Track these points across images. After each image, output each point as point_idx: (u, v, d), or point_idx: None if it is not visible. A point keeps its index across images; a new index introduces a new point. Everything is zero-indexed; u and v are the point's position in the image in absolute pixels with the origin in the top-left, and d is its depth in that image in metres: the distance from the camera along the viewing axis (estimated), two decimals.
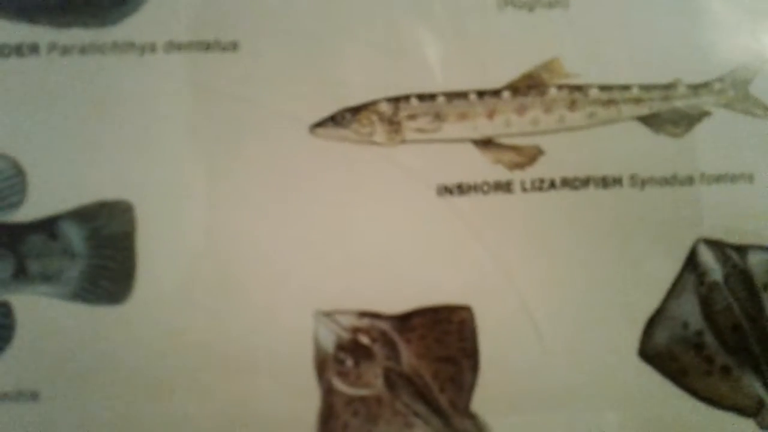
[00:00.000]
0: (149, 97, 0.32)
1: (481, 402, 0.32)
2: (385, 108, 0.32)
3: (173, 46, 0.32)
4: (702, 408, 0.33)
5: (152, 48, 0.32)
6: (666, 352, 0.33)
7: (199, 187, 0.31)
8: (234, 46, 0.32)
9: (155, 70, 0.32)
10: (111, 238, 0.30)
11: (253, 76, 0.32)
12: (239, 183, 0.32)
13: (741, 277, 0.34)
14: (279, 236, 0.32)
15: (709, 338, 0.33)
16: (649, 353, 0.33)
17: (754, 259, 0.34)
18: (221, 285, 0.31)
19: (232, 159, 0.32)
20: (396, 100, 0.32)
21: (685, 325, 0.33)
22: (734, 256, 0.34)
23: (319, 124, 0.32)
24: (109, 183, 0.31)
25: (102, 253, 0.30)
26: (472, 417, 0.31)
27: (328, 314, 0.31)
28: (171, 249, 0.31)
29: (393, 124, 0.32)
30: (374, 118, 0.32)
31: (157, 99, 0.32)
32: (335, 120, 0.32)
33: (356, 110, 0.32)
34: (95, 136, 0.31)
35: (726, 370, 0.33)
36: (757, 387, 0.33)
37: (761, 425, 0.33)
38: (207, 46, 0.32)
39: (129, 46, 0.32)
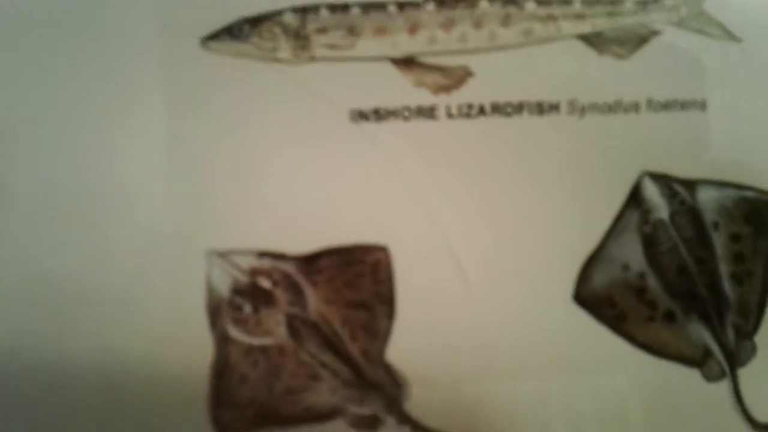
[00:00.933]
0: None
1: (396, 351, 0.30)
2: (290, 19, 0.30)
3: None
4: (643, 357, 0.32)
5: None
6: (604, 297, 0.32)
7: (73, 108, 0.29)
8: None
9: None
10: None
11: None
12: (120, 103, 0.29)
13: (689, 215, 0.33)
14: (168, 164, 0.30)
15: (651, 281, 0.32)
16: (585, 297, 0.32)
17: (703, 196, 0.33)
18: (98, 219, 0.29)
19: (113, 75, 0.29)
20: (303, 11, 0.30)
21: (626, 267, 0.32)
22: (682, 191, 0.33)
23: (213, 37, 0.30)
24: None
25: None
26: (386, 367, 0.30)
27: (223, 254, 0.30)
28: (48, 176, 0.29)
29: (300, 39, 0.30)
30: (278, 30, 0.30)
31: None
32: (232, 32, 0.30)
33: (257, 21, 0.30)
34: None
35: (670, 317, 0.32)
36: (704, 335, 0.33)
37: (707, 376, 0.32)
38: None
39: None
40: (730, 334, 0.32)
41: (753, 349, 0.33)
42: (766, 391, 0.32)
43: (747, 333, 0.33)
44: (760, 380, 0.32)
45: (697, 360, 0.32)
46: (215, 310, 0.29)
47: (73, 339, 0.29)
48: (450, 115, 0.31)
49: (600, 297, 0.32)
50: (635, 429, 0.32)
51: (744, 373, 0.32)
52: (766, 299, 0.33)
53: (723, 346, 0.32)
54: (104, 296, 0.29)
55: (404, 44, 0.31)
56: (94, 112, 0.29)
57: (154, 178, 0.30)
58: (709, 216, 0.33)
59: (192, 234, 0.29)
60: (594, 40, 0.32)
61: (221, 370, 0.29)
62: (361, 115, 0.31)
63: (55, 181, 0.29)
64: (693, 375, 0.32)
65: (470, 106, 0.31)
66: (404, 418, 0.30)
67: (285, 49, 0.30)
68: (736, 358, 0.32)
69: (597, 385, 0.32)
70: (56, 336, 0.29)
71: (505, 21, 0.31)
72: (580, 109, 0.32)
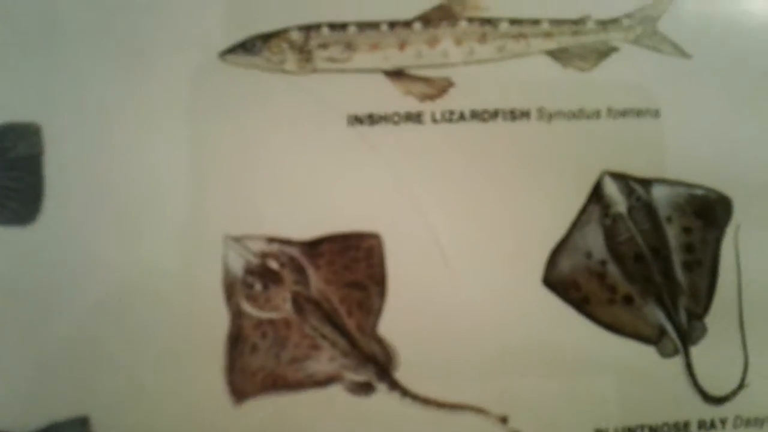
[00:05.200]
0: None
1: (387, 326, 0.32)
2: (296, 36, 0.32)
3: None
4: (604, 335, 0.34)
5: None
6: (570, 281, 0.34)
7: (108, 109, 0.31)
8: None
9: None
10: (19, 160, 0.30)
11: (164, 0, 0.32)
12: (150, 106, 0.32)
13: (645, 210, 0.34)
14: (190, 161, 0.32)
15: (612, 268, 0.34)
16: (553, 281, 0.33)
17: (657, 193, 0.35)
18: (130, 208, 0.31)
19: (144, 82, 0.32)
20: (307, 29, 0.33)
21: (589, 255, 0.34)
22: (638, 188, 0.34)
23: (230, 51, 0.32)
24: (17, 105, 0.31)
25: (10, 175, 0.31)
26: (378, 339, 0.32)
27: (237, 239, 0.32)
28: (79, 171, 0.31)
29: (304, 53, 0.32)
30: (285, 46, 0.32)
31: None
32: (246, 47, 0.32)
33: (267, 38, 0.32)
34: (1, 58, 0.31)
35: (628, 299, 0.34)
36: (659, 316, 0.34)
37: (662, 353, 0.34)
38: None
39: None
40: (683, 315, 0.34)
41: (703, 329, 0.34)
42: (716, 366, 0.34)
43: (698, 315, 0.35)
44: (710, 357, 0.34)
45: (653, 338, 0.34)
46: (230, 288, 0.31)
47: (99, 310, 0.31)
48: (434, 120, 0.33)
49: (566, 281, 0.33)
50: (597, 400, 0.34)
51: (695, 351, 0.34)
52: (715, 284, 0.35)
53: (676, 326, 0.34)
54: (134, 274, 0.31)
55: (394, 58, 0.33)
56: (130, 114, 0.31)
57: (178, 174, 0.31)
58: (663, 211, 0.34)
59: (211, 222, 0.31)
60: (560, 55, 0.34)
61: (235, 340, 0.31)
62: (356, 120, 0.32)
63: (94, 176, 0.31)
64: (649, 351, 0.34)
65: (452, 113, 0.33)
66: (394, 385, 0.32)
67: (291, 61, 0.32)
68: (688, 337, 0.34)
69: (562, 358, 0.33)
70: (87, 309, 0.31)
71: (482, 38, 0.33)
72: (548, 116, 0.33)
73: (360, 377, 0.32)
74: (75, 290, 0.31)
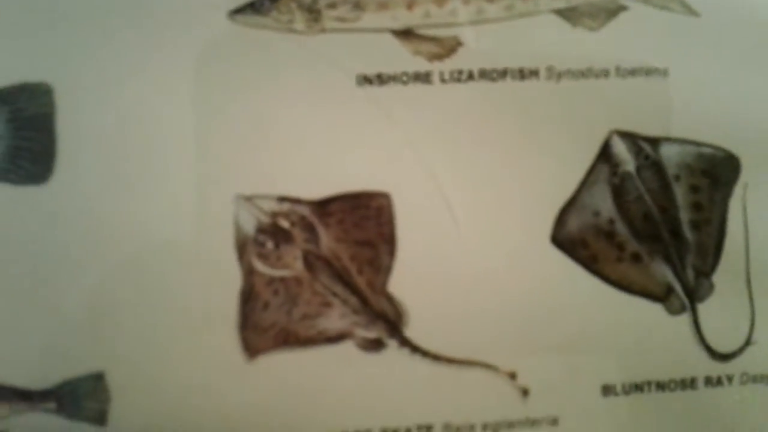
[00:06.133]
0: None
1: (397, 283, 0.32)
2: None
3: None
4: (612, 293, 0.34)
5: None
6: (578, 239, 0.34)
7: (119, 69, 0.32)
8: None
9: None
10: (31, 120, 0.31)
11: None
12: (157, 67, 0.32)
13: (653, 169, 0.34)
14: (199, 121, 0.32)
15: (620, 226, 0.34)
16: (561, 240, 0.33)
17: (666, 152, 0.35)
18: (141, 168, 0.32)
19: (151, 45, 0.32)
20: None
21: (597, 214, 0.34)
22: (647, 147, 0.34)
23: (239, 11, 0.32)
24: (29, 65, 0.31)
25: (22, 134, 0.31)
26: (388, 297, 0.32)
27: (249, 198, 0.32)
28: (91, 131, 0.31)
29: (312, 13, 0.32)
30: (293, 5, 0.32)
31: None
32: (254, 7, 0.32)
33: None
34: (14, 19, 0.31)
35: (636, 257, 0.34)
36: (667, 274, 0.35)
37: (669, 310, 0.35)
38: None
39: None
40: (690, 273, 0.34)
41: (710, 287, 0.35)
42: (722, 324, 0.34)
43: (705, 272, 0.35)
44: (717, 315, 0.34)
45: (661, 296, 0.34)
46: (242, 247, 0.31)
47: (114, 268, 0.31)
48: (443, 80, 0.33)
49: (574, 240, 0.33)
50: (604, 357, 0.34)
51: (702, 308, 0.34)
52: (722, 243, 0.35)
53: (684, 283, 0.34)
54: (147, 234, 0.31)
55: (403, 18, 0.33)
56: (141, 75, 0.31)
57: (188, 135, 0.31)
58: (671, 169, 0.34)
59: (222, 182, 0.31)
60: (568, 14, 0.33)
61: (248, 297, 0.31)
62: (366, 80, 0.32)
63: (102, 135, 0.31)
64: (657, 309, 0.34)
65: (461, 72, 0.33)
66: (404, 342, 0.32)
67: (300, 21, 0.32)
68: (695, 294, 0.34)
69: (570, 315, 0.34)
70: (100, 268, 0.31)
71: None
72: (556, 75, 0.33)
73: (371, 334, 0.32)
74: (89, 249, 0.31)
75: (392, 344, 0.33)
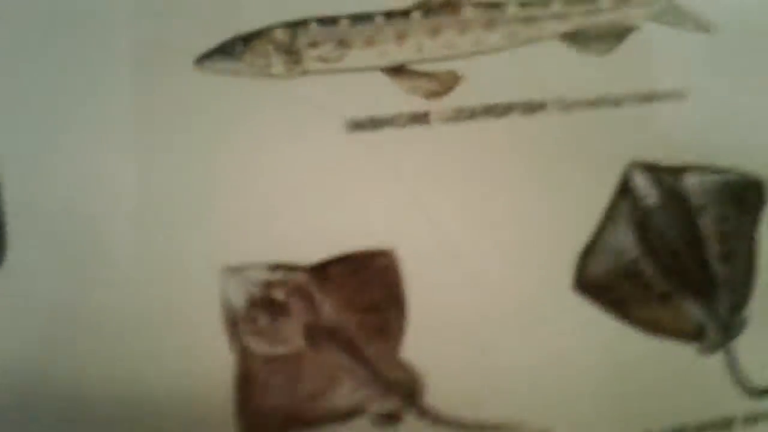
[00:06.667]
0: None
1: (410, 348, 0.30)
2: (281, 35, 0.29)
3: None
4: (642, 337, 0.32)
5: None
6: (602, 283, 0.32)
7: (69, 138, 0.28)
8: None
9: None
10: None
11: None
12: (119, 128, 0.28)
13: (677, 201, 0.33)
14: (171, 186, 0.29)
15: (646, 265, 0.33)
16: (584, 285, 0.32)
17: (689, 182, 0.33)
18: (107, 246, 0.29)
19: (111, 102, 0.28)
20: (293, 26, 0.30)
21: (621, 254, 0.32)
22: (669, 179, 0.33)
23: (207, 56, 0.29)
24: None
25: None
26: (402, 364, 0.30)
27: (237, 269, 0.29)
28: (42, 206, 0.28)
29: (291, 54, 0.29)
30: (270, 48, 0.29)
31: None
32: (225, 50, 0.29)
33: (249, 38, 0.29)
34: None
35: (665, 297, 0.33)
36: (698, 312, 0.33)
37: (703, 350, 0.33)
38: None
39: None
40: (722, 309, 0.33)
41: (744, 322, 0.33)
42: (758, 359, 0.33)
43: (738, 306, 0.33)
44: (751, 349, 0.33)
45: (693, 336, 0.33)
46: (233, 324, 0.29)
47: (91, 366, 0.28)
48: (443, 120, 0.31)
49: (598, 284, 0.32)
50: (641, 405, 0.32)
51: (736, 344, 0.33)
52: (753, 274, 0.33)
53: (716, 320, 0.33)
54: (121, 321, 0.28)
55: (393, 53, 0.30)
56: (89, 130, 0.28)
57: (160, 201, 0.29)
58: (696, 200, 0.33)
59: (204, 253, 0.29)
60: (575, 39, 0.31)
61: (244, 381, 0.29)
62: (357, 125, 0.30)
63: (57, 204, 0.28)
64: (690, 350, 0.33)
65: (461, 110, 0.31)
66: (423, 412, 0.30)
67: (278, 64, 0.29)
68: (729, 332, 0.33)
69: (599, 363, 0.32)
70: (73, 364, 0.28)
71: (489, 25, 0.31)
72: (566, 106, 0.31)
73: (386, 407, 0.30)
74: (56, 342, 0.28)
75: (410, 416, 0.30)
